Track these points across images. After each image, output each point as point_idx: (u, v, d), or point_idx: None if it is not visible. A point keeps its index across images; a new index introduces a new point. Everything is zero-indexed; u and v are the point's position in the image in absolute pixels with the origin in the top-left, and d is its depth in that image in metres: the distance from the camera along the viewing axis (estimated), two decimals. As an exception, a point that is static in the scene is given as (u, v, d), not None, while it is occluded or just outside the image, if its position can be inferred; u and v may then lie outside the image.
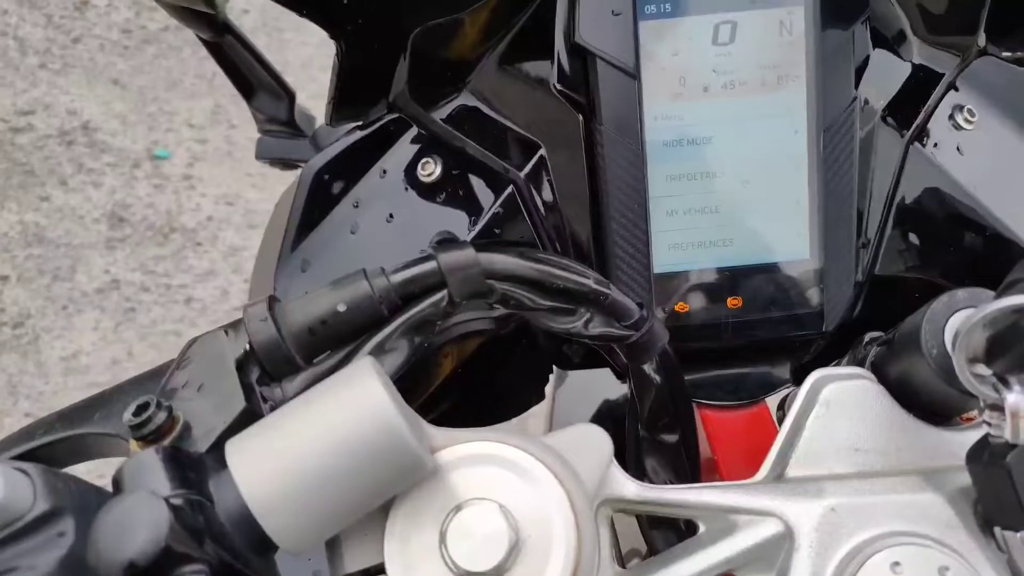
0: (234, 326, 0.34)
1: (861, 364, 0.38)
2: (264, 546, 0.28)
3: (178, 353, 0.34)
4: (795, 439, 0.33)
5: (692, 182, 0.45)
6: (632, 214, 0.45)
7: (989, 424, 0.28)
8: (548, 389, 1.07)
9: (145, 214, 1.92)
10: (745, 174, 0.45)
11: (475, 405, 0.59)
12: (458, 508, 0.30)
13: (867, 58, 0.46)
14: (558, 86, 0.46)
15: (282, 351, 0.33)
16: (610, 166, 0.45)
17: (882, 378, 0.35)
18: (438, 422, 0.58)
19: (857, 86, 0.46)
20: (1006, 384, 0.27)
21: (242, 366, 0.33)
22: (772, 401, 0.49)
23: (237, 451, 0.28)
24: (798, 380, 0.46)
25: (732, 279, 0.45)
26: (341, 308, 0.34)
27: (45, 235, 1.84)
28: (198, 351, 0.33)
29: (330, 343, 0.35)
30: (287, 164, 0.61)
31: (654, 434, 0.42)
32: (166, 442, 0.29)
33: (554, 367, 0.64)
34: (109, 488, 0.27)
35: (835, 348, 0.46)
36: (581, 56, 0.44)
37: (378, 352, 0.34)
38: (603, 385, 0.95)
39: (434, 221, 0.49)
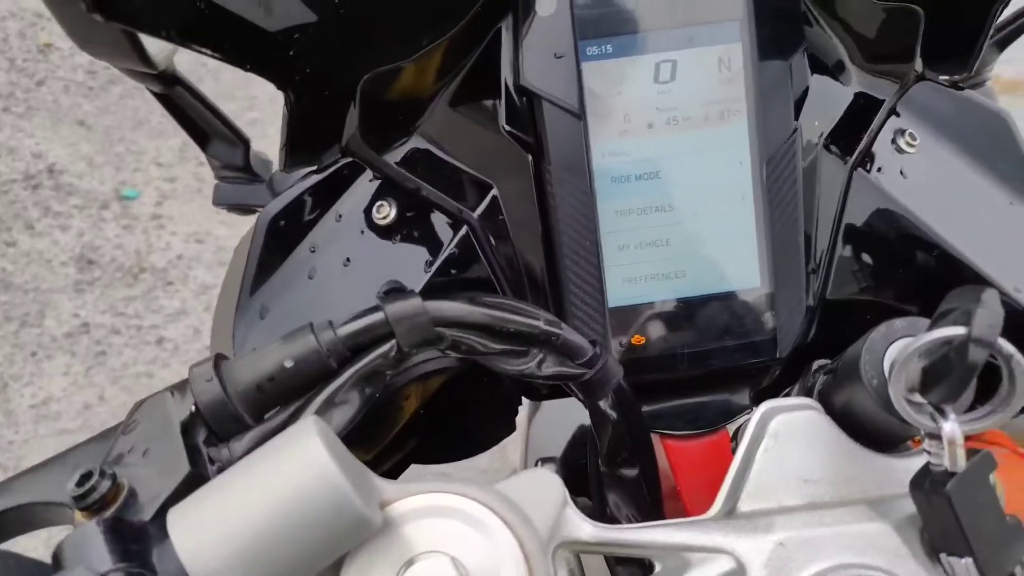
0: (180, 387, 0.34)
1: (809, 393, 0.39)
2: None
3: (124, 416, 0.34)
4: (746, 472, 0.33)
5: (642, 216, 0.45)
6: (584, 250, 0.46)
7: (929, 452, 0.29)
8: (522, 418, 1.07)
9: (114, 255, 1.90)
10: (693, 206, 0.45)
11: (444, 441, 0.59)
12: (410, 563, 0.30)
13: (807, 89, 0.47)
14: (506, 127, 0.46)
15: (229, 410, 0.33)
16: (560, 204, 0.45)
17: (828, 407, 0.35)
18: (405, 461, 0.58)
19: (798, 116, 0.47)
20: (942, 413, 0.28)
21: (188, 428, 0.32)
22: (732, 428, 0.49)
23: (178, 520, 0.28)
24: (758, 404, 0.46)
25: (686, 310, 0.46)
26: (288, 364, 0.34)
27: (12, 280, 1.82)
28: (144, 415, 0.33)
29: (279, 399, 0.35)
30: (244, 209, 0.61)
31: (614, 469, 0.42)
32: (110, 511, 0.28)
33: (523, 398, 0.64)
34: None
35: (792, 372, 0.47)
36: (528, 97, 0.45)
37: (328, 406, 0.34)
38: (578, 411, 0.95)
39: (391, 263, 0.49)
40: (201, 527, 0.27)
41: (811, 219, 0.48)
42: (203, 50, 0.41)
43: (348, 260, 0.50)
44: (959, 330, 0.27)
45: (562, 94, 0.44)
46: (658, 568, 0.33)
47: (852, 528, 0.31)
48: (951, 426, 0.27)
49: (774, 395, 0.49)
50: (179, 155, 2.09)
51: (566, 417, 0.97)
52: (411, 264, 0.49)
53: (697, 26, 0.44)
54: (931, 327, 0.29)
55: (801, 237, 0.47)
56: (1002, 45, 0.64)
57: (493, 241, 0.48)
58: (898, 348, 0.32)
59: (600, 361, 0.40)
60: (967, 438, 0.28)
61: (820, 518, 0.31)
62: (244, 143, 0.60)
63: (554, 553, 0.33)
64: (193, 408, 0.33)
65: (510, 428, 0.63)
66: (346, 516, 0.28)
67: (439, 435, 0.58)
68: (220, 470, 0.32)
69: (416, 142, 0.50)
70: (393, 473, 0.57)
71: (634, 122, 0.45)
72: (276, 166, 0.65)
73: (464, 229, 0.48)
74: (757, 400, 0.48)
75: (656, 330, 0.46)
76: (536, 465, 0.83)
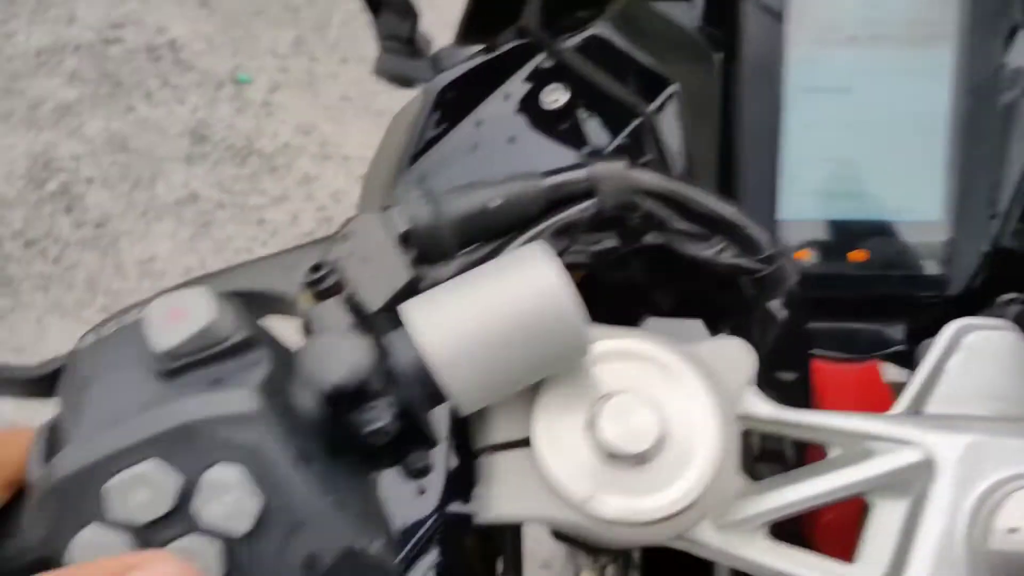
0: (391, 210, 0.36)
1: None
2: (433, 401, 0.29)
3: (338, 227, 0.35)
4: (935, 380, 0.33)
5: (828, 131, 0.44)
6: (763, 158, 0.45)
7: None
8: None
9: (225, 134, 1.95)
10: (883, 128, 0.44)
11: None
12: (609, 396, 0.32)
13: (1016, 27, 0.45)
14: (700, 23, 0.45)
15: (441, 235, 0.35)
16: (747, 108, 0.44)
17: None
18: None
19: (1008, 49, 0.44)
20: None
21: (402, 243, 0.34)
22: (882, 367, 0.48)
23: (413, 310, 0.29)
24: (911, 343, 0.46)
25: (857, 232, 0.45)
26: (496, 203, 0.36)
27: (129, 144, 1.89)
28: (359, 228, 0.34)
29: (482, 234, 0.36)
30: (403, 81, 0.61)
31: (771, 371, 0.43)
32: (342, 296, 0.30)
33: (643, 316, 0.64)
34: None
35: (955, 314, 0.46)
36: (731, -8, 0.44)
37: (526, 247, 0.35)
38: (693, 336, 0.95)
39: (556, 148, 0.49)
40: (436, 318, 0.29)
41: (1004, 161, 0.46)
42: None
43: (513, 139, 0.50)
44: None
45: None
46: (833, 453, 0.33)
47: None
48: None
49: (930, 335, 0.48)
50: (294, 48, 2.11)
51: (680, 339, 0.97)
52: (576, 151, 0.49)
53: (922, -63, 0.42)
54: None
55: (990, 177, 0.45)
56: None
57: (666, 138, 0.48)
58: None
59: (778, 260, 0.39)
60: None
61: (1011, 429, 0.31)
62: (414, 16, 0.60)
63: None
64: (405, 229, 0.34)
65: None
66: (569, 338, 0.29)
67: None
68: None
69: (598, 29, 0.49)
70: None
71: (836, 31, 0.43)
72: (436, 47, 0.65)
73: (636, 122, 0.48)
74: (911, 338, 0.47)
75: (823, 248, 0.45)
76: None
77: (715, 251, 0.38)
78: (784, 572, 0.33)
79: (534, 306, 0.29)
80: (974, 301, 0.45)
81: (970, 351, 0.33)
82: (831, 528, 0.43)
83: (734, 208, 0.39)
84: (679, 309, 0.55)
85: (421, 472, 0.33)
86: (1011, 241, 0.47)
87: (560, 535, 0.41)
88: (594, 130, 0.49)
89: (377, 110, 1.96)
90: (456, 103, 0.52)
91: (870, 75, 0.43)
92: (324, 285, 0.30)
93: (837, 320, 0.47)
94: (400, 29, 0.60)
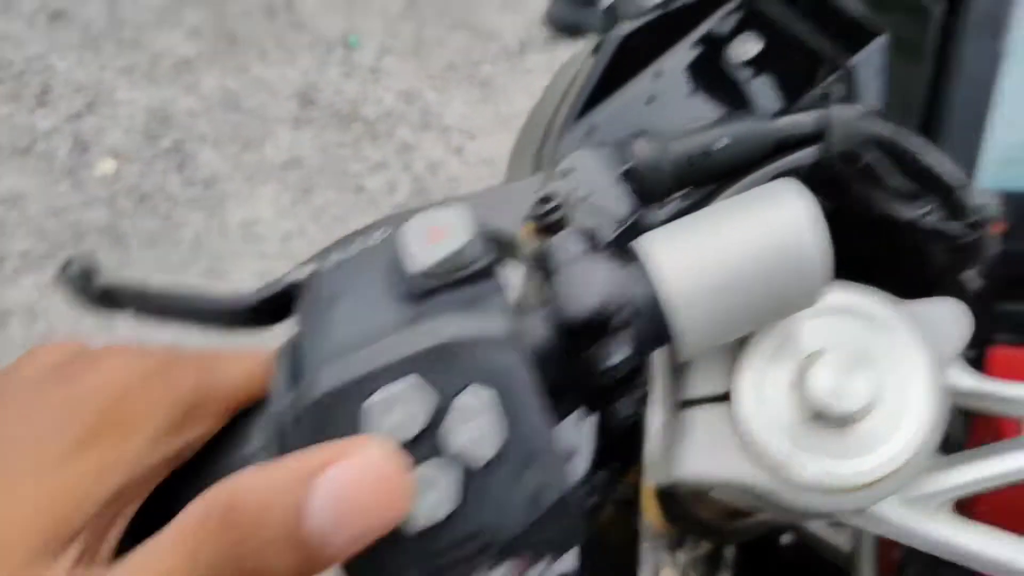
0: (609, 148, 0.34)
1: None
2: (659, 342, 0.28)
3: (556, 166, 0.34)
4: None
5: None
6: (972, 119, 0.41)
7: None
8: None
9: (332, 100, 1.98)
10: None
11: None
12: (821, 352, 0.30)
13: None
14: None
15: (663, 174, 0.34)
16: (965, 64, 0.41)
17: None
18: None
19: None
20: None
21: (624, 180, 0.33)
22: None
23: (650, 244, 0.28)
24: None
25: None
26: (725, 142, 0.34)
27: (241, 103, 1.94)
28: (579, 163, 0.33)
29: (702, 177, 0.35)
30: (574, 31, 0.60)
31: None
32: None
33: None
34: None
35: None
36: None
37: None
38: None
39: (744, 101, 0.47)
40: (677, 254, 0.27)
41: None
42: None
43: (695, 91, 0.48)
44: None
45: None
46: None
47: None
48: None
49: None
50: (404, 12, 2.12)
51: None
52: (764, 104, 0.47)
53: None
54: None
55: None
56: None
57: (868, 92, 0.45)
58: None
59: (986, 228, 0.37)
60: None
61: None
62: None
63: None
64: (628, 164, 0.33)
65: None
66: (812, 282, 0.27)
67: None
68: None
69: None
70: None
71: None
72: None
73: (836, 75, 0.45)
74: None
75: (1022, 223, 0.42)
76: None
77: (922, 212, 0.35)
78: (976, 552, 0.31)
79: (783, 245, 0.27)
80: None
81: None
82: (1002, 506, 0.41)
83: (956, 167, 0.36)
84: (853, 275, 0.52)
85: (626, 420, 0.31)
86: None
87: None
88: (789, 83, 0.47)
89: (481, 79, 1.96)
90: (638, 52, 0.50)
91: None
92: (552, 218, 0.29)
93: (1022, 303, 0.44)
94: (571, -24, 0.58)
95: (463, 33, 2.06)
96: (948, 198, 0.36)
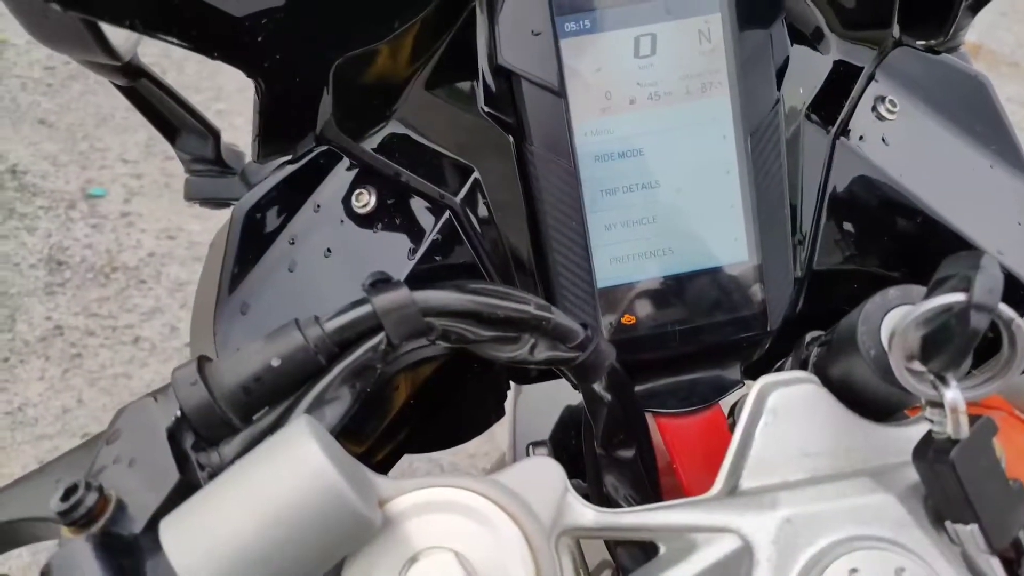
0: (163, 391, 0.33)
1: (804, 365, 0.38)
2: None
3: (107, 426, 0.33)
4: (746, 450, 0.33)
5: (627, 194, 0.45)
6: (570, 231, 0.45)
7: (931, 421, 0.28)
8: (508, 403, 1.07)
9: (84, 255, 1.86)
10: (678, 182, 0.45)
11: (435, 429, 0.59)
12: (413, 560, 0.29)
13: (787, 59, 0.47)
14: (486, 108, 0.45)
15: (216, 414, 0.32)
16: (544, 185, 0.44)
17: (824, 379, 0.35)
18: (398, 451, 0.57)
19: (779, 87, 0.46)
20: (943, 381, 0.28)
21: (174, 434, 0.31)
22: (726, 403, 0.49)
23: (171, 531, 0.27)
24: (752, 378, 0.46)
25: (675, 287, 0.45)
26: (275, 363, 0.33)
27: (-21, 286, 1.78)
28: (127, 422, 0.31)
29: (267, 399, 0.34)
30: (218, 203, 0.59)
31: (610, 451, 0.42)
32: (98, 525, 0.27)
33: (511, 382, 0.64)
34: None
35: (782, 344, 0.47)
36: (506, 77, 0.44)
37: (318, 404, 0.33)
38: (563, 391, 0.95)
39: (373, 252, 0.48)
40: (195, 537, 0.26)
41: (796, 190, 0.47)
42: (168, 38, 0.40)
43: (329, 251, 0.49)
44: (959, 297, 0.26)
45: (541, 72, 0.43)
46: (663, 550, 0.32)
47: (856, 500, 0.30)
48: (953, 394, 0.27)
49: (766, 368, 0.49)
50: (145, 151, 2.05)
51: (552, 398, 0.97)
52: (394, 252, 0.48)
53: (675, -2, 0.44)
54: (928, 294, 0.29)
55: (787, 209, 0.46)
56: (975, 9, 0.63)
57: (477, 225, 0.47)
58: (896, 317, 0.32)
59: (592, 344, 0.39)
60: (968, 405, 0.27)
61: (824, 492, 0.31)
62: (214, 135, 0.58)
63: (556, 541, 0.33)
64: (179, 413, 0.32)
65: (500, 413, 0.63)
66: (346, 518, 0.27)
67: (430, 423, 0.57)
68: (211, 476, 0.31)
69: (393, 127, 0.49)
70: (385, 464, 0.56)
71: (616, 98, 0.44)
72: (248, 158, 0.63)
73: (447, 214, 0.47)
74: (749, 374, 0.48)
75: (646, 308, 0.45)
76: (527, 449, 0.83)
77: (527, 349, 0.37)
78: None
79: (300, 499, 0.27)
80: (799, 328, 0.46)
81: (774, 413, 0.33)
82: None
83: (535, 303, 0.39)
84: (544, 373, 0.54)
85: None
86: (821, 262, 0.49)
87: None
88: (408, 228, 0.48)
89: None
90: (266, 222, 0.50)
91: (656, 134, 0.44)
92: (79, 512, 0.27)
93: (674, 375, 0.47)
94: (203, 150, 0.58)
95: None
96: (543, 331, 0.38)
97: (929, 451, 0.28)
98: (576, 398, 0.85)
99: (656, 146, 0.44)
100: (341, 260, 0.49)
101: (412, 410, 0.53)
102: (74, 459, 0.31)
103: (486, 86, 0.45)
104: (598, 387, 0.40)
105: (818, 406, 0.33)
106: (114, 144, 2.08)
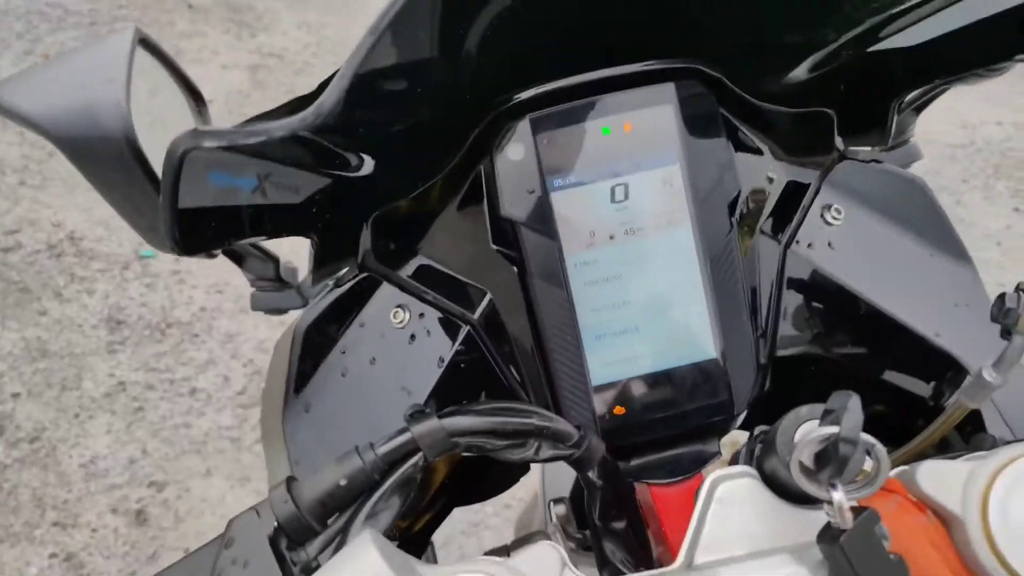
0: (262, 506, 0.44)
1: (751, 455, 0.48)
2: None
3: (223, 531, 0.44)
4: (700, 531, 0.43)
5: (612, 310, 0.55)
6: (568, 342, 0.55)
7: (828, 513, 0.38)
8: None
9: (140, 313, 2.01)
10: (655, 299, 0.55)
11: (472, 487, 0.70)
12: None
13: (739, 192, 0.56)
14: (494, 246, 0.56)
15: (302, 522, 0.43)
16: (544, 308, 0.55)
17: (760, 471, 0.45)
18: (440, 515, 0.68)
19: (733, 215, 0.56)
20: (833, 486, 0.38)
21: (273, 540, 0.43)
22: (708, 472, 0.59)
23: None
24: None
25: (657, 382, 0.55)
26: (343, 482, 0.44)
27: (48, 348, 1.93)
28: (238, 531, 0.43)
29: (337, 508, 0.45)
30: (279, 311, 0.71)
31: (606, 523, 0.53)
32: None
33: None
34: None
35: (756, 416, 0.57)
36: (509, 223, 0.55)
37: (375, 511, 0.44)
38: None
39: (409, 360, 0.59)
40: None
41: (755, 293, 0.58)
42: (256, 239, 0.52)
43: (374, 359, 0.60)
44: (833, 429, 0.37)
45: (537, 221, 0.54)
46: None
47: (780, 572, 0.40)
48: (839, 496, 0.37)
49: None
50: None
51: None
52: (426, 360, 0.59)
53: (642, 155, 0.54)
54: (821, 422, 0.39)
55: (746, 313, 0.56)
56: (919, 110, 0.73)
57: (493, 338, 0.58)
58: (801, 433, 0.42)
59: (585, 442, 0.50)
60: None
61: (759, 565, 0.41)
62: (274, 260, 0.70)
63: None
64: (276, 524, 0.43)
65: (525, 468, 0.74)
66: None
67: (467, 483, 0.68)
68: (302, 570, 0.42)
69: (421, 259, 0.60)
70: (433, 522, 0.68)
71: (598, 235, 0.55)
72: (302, 273, 0.75)
73: (467, 329, 0.59)
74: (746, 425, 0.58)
75: (634, 401, 0.56)
76: (548, 506, 0.93)
77: (533, 451, 0.48)
78: None
79: None
80: (767, 403, 0.56)
81: (721, 502, 0.43)
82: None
83: (537, 415, 0.49)
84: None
85: None
86: (781, 351, 0.59)
87: None
88: (437, 341, 0.60)
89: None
90: (322, 337, 0.62)
91: (633, 262, 0.55)
92: None
93: (662, 451, 0.57)
94: (264, 271, 0.70)
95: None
96: (545, 437, 0.49)
97: (828, 535, 0.38)
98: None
99: (634, 271, 0.55)
100: (384, 367, 0.60)
101: (450, 482, 0.64)
102: (196, 561, 0.42)
103: (494, 228, 0.56)
104: (592, 475, 0.51)
105: (755, 495, 0.43)
106: (161, 205, 2.23)
